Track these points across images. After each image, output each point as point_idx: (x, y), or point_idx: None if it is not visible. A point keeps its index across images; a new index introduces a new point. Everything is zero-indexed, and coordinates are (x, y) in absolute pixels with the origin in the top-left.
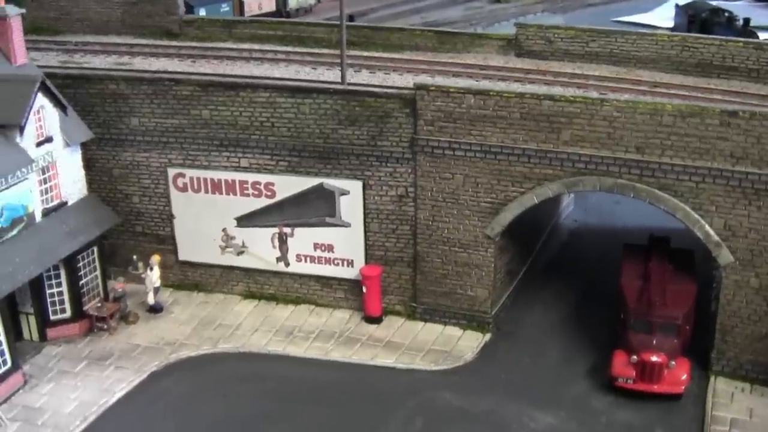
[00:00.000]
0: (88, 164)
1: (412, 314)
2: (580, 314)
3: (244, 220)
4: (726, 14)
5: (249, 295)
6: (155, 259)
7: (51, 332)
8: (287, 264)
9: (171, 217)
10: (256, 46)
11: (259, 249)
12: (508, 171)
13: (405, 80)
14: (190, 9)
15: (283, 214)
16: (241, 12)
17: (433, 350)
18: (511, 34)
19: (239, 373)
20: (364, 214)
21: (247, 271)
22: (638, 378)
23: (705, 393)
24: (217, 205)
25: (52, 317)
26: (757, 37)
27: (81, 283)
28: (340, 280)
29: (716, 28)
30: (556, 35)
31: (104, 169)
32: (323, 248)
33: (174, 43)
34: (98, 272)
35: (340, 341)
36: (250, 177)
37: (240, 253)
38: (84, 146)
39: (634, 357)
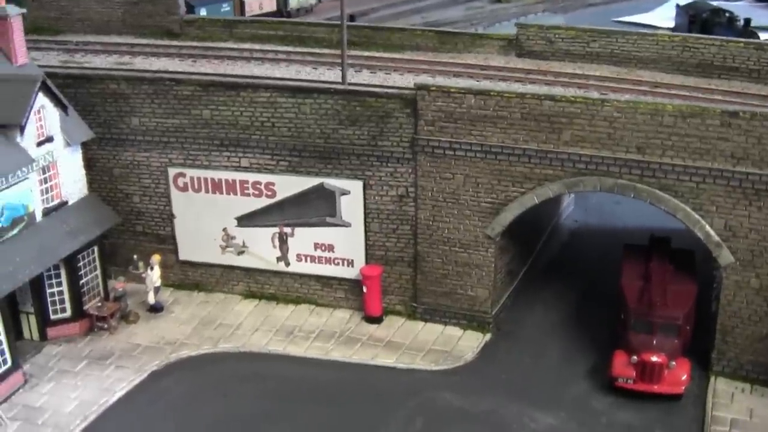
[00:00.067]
0: (89, 164)
1: (413, 314)
2: (580, 314)
3: (245, 220)
4: (727, 14)
5: (249, 295)
6: (156, 258)
7: (51, 331)
8: (288, 264)
9: (171, 216)
10: (257, 46)
11: (260, 249)
12: (509, 171)
13: (406, 80)
14: (190, 9)
15: (284, 214)
16: (242, 12)
17: (433, 350)
18: (512, 34)
19: (239, 372)
20: (365, 214)
21: (248, 271)
22: (638, 378)
23: (705, 393)
24: (217, 204)
25: (52, 317)
26: (758, 38)
27: (81, 282)
28: (341, 280)
29: (717, 29)
30: (556, 35)
31: (105, 169)
32: (324, 248)
33: (175, 42)
34: (99, 272)
35: (341, 341)
36: (251, 177)
37: (240, 252)
38: (85, 146)
39: (635, 357)
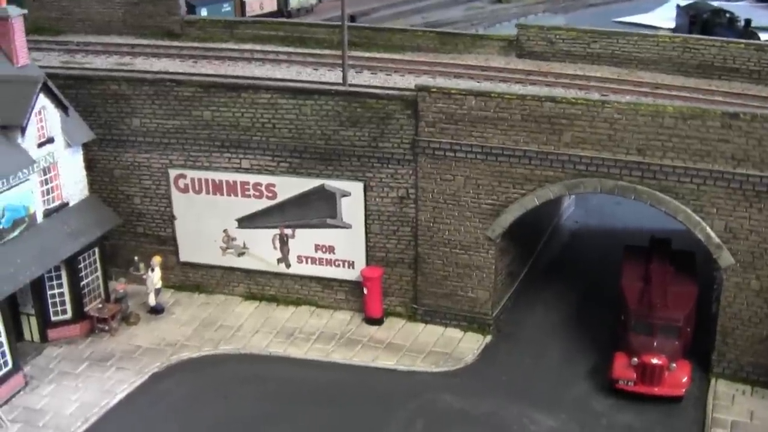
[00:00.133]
0: (90, 165)
1: (413, 316)
2: (580, 316)
3: (245, 222)
4: (727, 15)
5: (250, 297)
6: (156, 260)
7: (52, 333)
8: (288, 265)
9: (172, 218)
10: (258, 47)
11: (260, 250)
12: (509, 173)
13: (406, 81)
14: (191, 9)
15: (284, 216)
16: (243, 12)
17: (433, 352)
18: (513, 35)
19: (240, 374)
20: (365, 215)
21: (248, 273)
22: (639, 380)
23: (705, 395)
24: (218, 206)
25: (53, 318)
26: (759, 39)
27: (82, 284)
28: (341, 282)
29: (717, 29)
30: (557, 36)
31: (105, 170)
32: (324, 249)
33: (175, 43)
34: (99, 273)
35: (341, 343)
36: (252, 178)
37: (241, 254)
38: (85, 147)
39: (635, 359)
